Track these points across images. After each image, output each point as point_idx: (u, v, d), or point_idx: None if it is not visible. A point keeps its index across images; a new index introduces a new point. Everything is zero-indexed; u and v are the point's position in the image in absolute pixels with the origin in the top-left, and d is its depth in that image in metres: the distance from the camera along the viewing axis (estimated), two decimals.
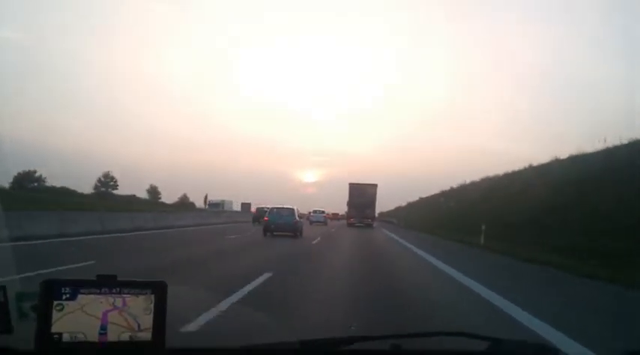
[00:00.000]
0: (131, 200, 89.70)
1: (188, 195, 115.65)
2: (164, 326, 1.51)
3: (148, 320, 1.50)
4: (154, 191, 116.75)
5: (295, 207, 30.03)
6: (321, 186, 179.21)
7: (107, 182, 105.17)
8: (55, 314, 1.43)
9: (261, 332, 2.44)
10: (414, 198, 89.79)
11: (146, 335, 1.50)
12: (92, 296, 1.47)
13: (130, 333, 1.49)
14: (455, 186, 63.04)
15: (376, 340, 1.74)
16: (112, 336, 1.47)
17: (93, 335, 1.46)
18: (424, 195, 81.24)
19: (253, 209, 60.06)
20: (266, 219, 29.15)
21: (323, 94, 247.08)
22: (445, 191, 65.03)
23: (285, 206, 30.26)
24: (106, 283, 1.49)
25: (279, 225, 27.58)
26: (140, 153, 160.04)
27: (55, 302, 1.44)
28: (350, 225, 50.41)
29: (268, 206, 35.77)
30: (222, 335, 2.15)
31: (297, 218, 28.80)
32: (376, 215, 60.41)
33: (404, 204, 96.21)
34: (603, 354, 4.51)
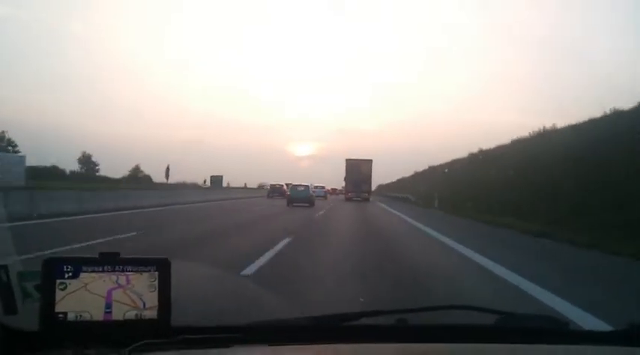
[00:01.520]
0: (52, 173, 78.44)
1: (142, 168, 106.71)
2: (169, 304, 1.49)
3: (152, 298, 1.48)
4: (86, 161, 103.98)
5: (310, 184, 41.20)
6: (317, 159, 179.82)
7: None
8: (59, 293, 1.41)
9: (268, 308, 2.42)
10: (418, 167, 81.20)
11: (152, 313, 1.48)
12: (95, 274, 1.45)
13: (135, 311, 1.47)
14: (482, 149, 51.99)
15: (384, 315, 1.72)
16: (117, 315, 1.45)
17: (98, 314, 1.44)
18: (435, 164, 70.55)
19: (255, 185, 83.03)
20: (288, 194, 40.85)
21: (319, 70, 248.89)
22: (474, 153, 52.78)
23: (302, 183, 40.53)
24: (109, 260, 1.47)
25: (298, 198, 37.59)
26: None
27: (58, 281, 1.41)
28: (348, 199, 52.54)
29: (280, 182, 59.46)
30: (228, 312, 2.12)
31: (311, 192, 39.68)
32: (373, 189, 63.45)
33: (408, 174, 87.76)
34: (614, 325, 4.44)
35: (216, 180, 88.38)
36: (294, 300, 5.70)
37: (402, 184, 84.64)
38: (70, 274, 1.43)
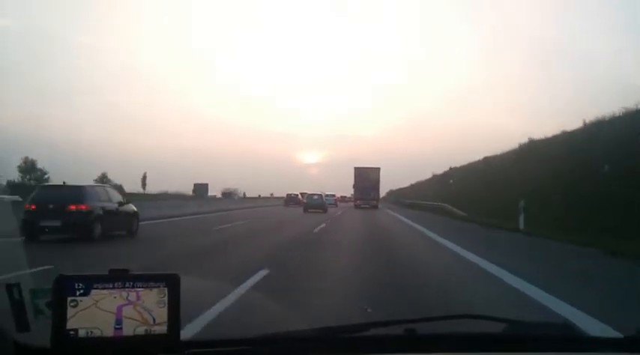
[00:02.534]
0: None
1: (110, 176, 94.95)
2: (179, 319, 1.51)
3: (162, 314, 1.50)
4: (30, 168, 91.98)
5: (322, 193, 47.32)
6: (324, 166, 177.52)
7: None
8: (70, 311, 1.43)
9: (276, 320, 2.44)
10: (436, 170, 74.24)
11: (161, 329, 1.49)
12: (105, 291, 1.47)
13: (145, 327, 1.48)
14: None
15: (392, 325, 1.73)
16: (127, 331, 1.47)
17: (109, 331, 1.46)
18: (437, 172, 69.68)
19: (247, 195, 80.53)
20: (304, 201, 46.76)
21: (324, 76, 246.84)
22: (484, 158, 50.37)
23: (316, 192, 47.28)
24: (119, 277, 1.49)
25: (313, 206, 42.77)
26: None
27: (69, 298, 1.44)
28: (357, 206, 52.63)
29: (295, 192, 65.17)
30: (237, 325, 2.14)
31: (324, 200, 45.10)
32: (383, 195, 65.24)
33: (425, 177, 79.86)
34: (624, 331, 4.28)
35: (200, 189, 79.57)
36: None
37: (417, 189, 77.98)
38: (82, 291, 1.45)
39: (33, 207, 15.16)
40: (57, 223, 14.93)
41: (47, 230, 15.00)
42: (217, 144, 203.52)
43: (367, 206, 52.41)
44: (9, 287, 1.45)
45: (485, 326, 1.81)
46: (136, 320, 1.48)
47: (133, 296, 1.48)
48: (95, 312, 1.45)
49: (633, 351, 1.74)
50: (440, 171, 70.69)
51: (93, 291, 1.46)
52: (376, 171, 56.04)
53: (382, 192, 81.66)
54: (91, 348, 1.44)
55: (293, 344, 1.66)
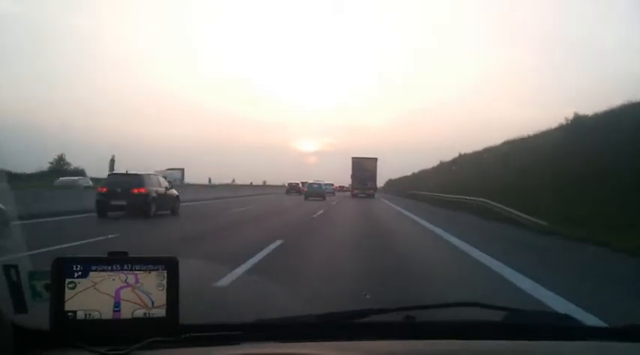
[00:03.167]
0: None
1: (68, 159, 63.84)
2: (177, 302, 1.24)
3: (161, 297, 1.23)
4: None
5: (322, 182, 43.70)
6: (322, 155, 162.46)
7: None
8: (68, 292, 1.18)
9: (274, 304, 2.11)
10: (444, 156, 55.60)
11: (160, 312, 1.23)
12: (104, 273, 1.21)
13: (144, 310, 1.22)
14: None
15: (391, 312, 1.41)
16: (125, 313, 1.21)
17: (107, 313, 1.20)
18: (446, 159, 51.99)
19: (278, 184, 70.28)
20: (305, 190, 42.19)
21: (323, 65, 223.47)
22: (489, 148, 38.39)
23: (316, 181, 43.16)
24: (117, 260, 1.23)
25: (313, 193, 38.94)
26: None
27: (67, 280, 1.18)
28: (354, 195, 46.88)
29: (295, 181, 58.13)
30: (236, 308, 1.82)
31: (323, 189, 41.34)
32: (382, 185, 58.70)
33: (430, 165, 61.02)
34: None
35: (172, 175, 54.37)
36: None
37: (420, 178, 58.48)
38: (80, 273, 1.20)
39: (105, 189, 16.16)
40: (123, 202, 15.81)
41: (115, 208, 16.14)
42: (211, 133, 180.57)
43: (364, 195, 46.29)
44: (7, 269, 1.22)
45: (484, 315, 1.49)
46: (134, 302, 1.22)
47: (131, 278, 1.22)
48: (94, 294, 1.20)
49: (632, 340, 1.46)
50: (445, 159, 55.59)
51: (91, 273, 1.20)
52: (373, 161, 48.55)
53: (381, 182, 73.00)
54: (89, 330, 1.19)
55: (291, 330, 1.37)
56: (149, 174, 17.40)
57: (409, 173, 73.42)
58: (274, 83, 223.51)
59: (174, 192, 18.45)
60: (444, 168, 50.67)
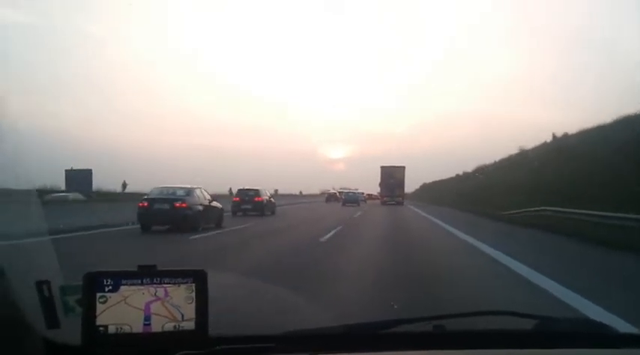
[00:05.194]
0: None
1: None
2: (207, 315, 1.17)
3: (190, 310, 1.17)
4: None
5: (359, 190, 52.76)
6: (350, 162, 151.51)
7: None
8: (99, 307, 1.12)
9: (300, 316, 2.02)
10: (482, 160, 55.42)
11: (189, 325, 1.16)
12: (134, 287, 1.15)
13: (173, 323, 1.16)
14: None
15: (420, 322, 1.31)
16: (156, 327, 1.15)
17: (138, 327, 1.14)
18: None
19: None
20: (342, 197, 46.30)
21: (349, 71, 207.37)
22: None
23: (351, 190, 50.40)
24: (147, 273, 1.17)
25: (349, 201, 42.84)
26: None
27: (98, 295, 1.13)
28: (383, 203, 45.81)
29: (332, 190, 63.39)
30: (265, 320, 1.74)
31: (357, 197, 45.46)
32: (412, 191, 57.19)
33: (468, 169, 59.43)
34: None
35: (73, 177, 35.84)
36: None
37: (455, 184, 54.87)
38: (110, 288, 1.14)
39: (146, 204, 15.01)
40: (167, 218, 14.84)
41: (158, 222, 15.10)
42: (241, 144, 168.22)
43: (393, 202, 45.12)
44: (39, 285, 1.16)
45: (515, 323, 1.37)
46: (164, 316, 1.16)
47: (161, 292, 1.16)
48: (124, 308, 1.14)
49: None
50: (470, 167, 55.28)
51: (122, 288, 1.15)
52: (401, 169, 47.89)
53: (412, 188, 71.21)
54: (120, 344, 1.13)
55: (321, 341, 1.28)
56: (194, 188, 16.41)
57: (440, 178, 69.86)
58: (301, 92, 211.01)
59: (217, 204, 17.24)
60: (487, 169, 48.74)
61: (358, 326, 1.29)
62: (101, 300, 1.12)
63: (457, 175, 59.32)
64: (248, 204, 23.69)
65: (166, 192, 15.94)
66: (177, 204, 14.90)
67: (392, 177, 46.63)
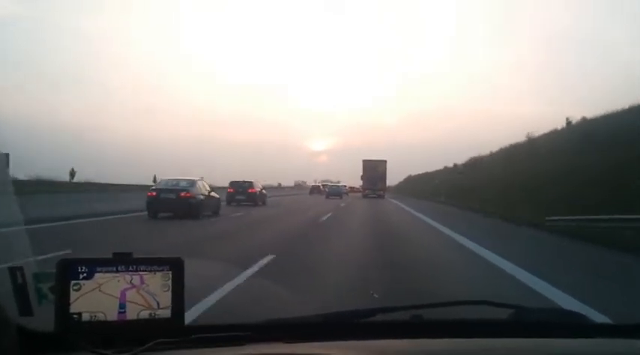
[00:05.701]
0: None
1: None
2: (183, 303, 1.08)
3: (166, 298, 1.08)
4: None
5: (341, 182, 52.65)
6: (333, 154, 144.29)
7: None
8: (73, 294, 1.03)
9: (281, 305, 1.92)
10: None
11: (165, 313, 1.07)
12: (109, 274, 1.05)
13: (149, 311, 1.06)
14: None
15: (398, 311, 1.22)
16: (131, 315, 1.05)
17: (112, 314, 1.05)
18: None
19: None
20: (326, 190, 45.36)
21: (332, 63, 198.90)
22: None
23: (335, 183, 49.95)
24: (122, 261, 1.07)
25: (332, 193, 41.60)
26: None
27: (72, 282, 1.03)
28: (365, 196, 43.59)
29: (317, 182, 61.21)
30: (241, 310, 1.64)
31: (340, 189, 44.59)
32: (395, 184, 55.43)
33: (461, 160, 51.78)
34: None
35: None
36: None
37: (439, 177, 49.97)
38: (85, 275, 1.04)
39: (154, 194, 15.63)
40: (173, 206, 15.41)
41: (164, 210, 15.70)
42: (221, 133, 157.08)
43: (374, 195, 42.66)
44: (12, 271, 1.07)
45: (493, 313, 1.28)
46: (139, 304, 1.06)
47: (136, 280, 1.07)
48: (99, 296, 1.04)
49: None
50: (457, 161, 50.94)
51: (96, 275, 1.05)
52: (383, 163, 45.04)
53: (396, 180, 69.23)
54: (94, 332, 1.04)
55: (298, 330, 1.19)
56: (196, 180, 16.94)
57: (425, 171, 66.28)
58: (283, 83, 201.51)
59: (215, 195, 17.83)
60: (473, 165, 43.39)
61: (335, 315, 1.21)
62: (75, 288, 1.03)
63: (445, 167, 55.52)
64: (242, 194, 23.87)
65: (172, 183, 16.60)
66: (182, 194, 15.46)
67: (374, 170, 44.04)
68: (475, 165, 41.95)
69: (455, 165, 50.13)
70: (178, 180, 16.52)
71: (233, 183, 24.86)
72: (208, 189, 17.45)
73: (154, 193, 15.66)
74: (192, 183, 16.33)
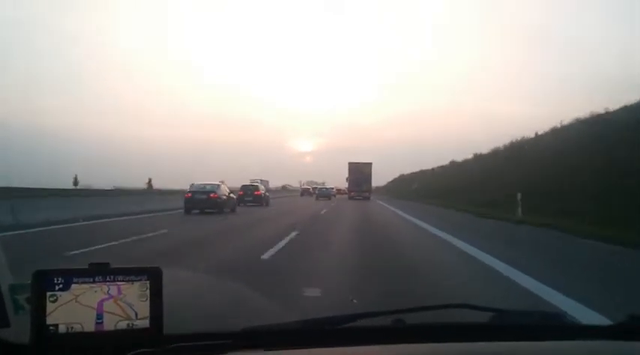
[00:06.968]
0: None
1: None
2: (161, 313, 0.91)
3: (144, 308, 0.90)
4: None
5: (326, 184, 50.25)
6: (318, 155, 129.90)
7: None
8: (49, 306, 0.86)
9: (260, 313, 1.68)
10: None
11: (143, 323, 0.90)
12: (86, 285, 0.88)
13: (127, 322, 0.89)
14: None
15: (379, 316, 1.04)
16: (108, 325, 0.88)
17: (89, 326, 0.87)
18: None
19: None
20: (315, 192, 42.95)
21: (318, 65, 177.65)
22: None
23: (324, 185, 47.19)
24: (99, 271, 0.89)
25: (322, 195, 39.67)
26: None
27: (48, 293, 0.86)
28: (351, 198, 37.92)
29: (303, 185, 58.82)
30: (220, 318, 1.42)
31: (329, 191, 42.46)
32: (381, 185, 50.48)
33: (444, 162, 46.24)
34: (610, 317, 2.64)
35: None
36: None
37: (426, 177, 45.78)
38: (61, 286, 0.87)
39: (190, 195, 16.87)
40: (204, 204, 16.59)
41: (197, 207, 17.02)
42: (202, 134, 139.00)
43: (360, 197, 36.96)
44: None
45: (474, 316, 1.07)
46: (117, 314, 0.89)
47: (114, 290, 0.89)
48: (75, 307, 0.87)
49: (625, 339, 1.04)
50: (444, 162, 44.64)
51: (73, 286, 0.87)
52: (368, 166, 39.02)
53: (384, 181, 64.92)
54: (71, 344, 0.86)
55: (279, 337, 0.99)
56: (220, 184, 18.25)
57: (401, 174, 61.60)
58: (269, 84, 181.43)
59: (232, 195, 18.98)
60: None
61: (315, 322, 1.02)
62: (51, 299, 0.86)
63: (433, 169, 48.98)
64: (249, 196, 24.00)
65: (202, 186, 17.38)
66: (211, 195, 16.79)
67: (359, 172, 38.51)
68: (454, 167, 38.53)
69: (432, 169, 46.27)
70: (206, 184, 17.92)
71: (243, 187, 25.19)
72: (228, 191, 19.15)
73: (190, 194, 16.87)
74: (218, 186, 17.60)
